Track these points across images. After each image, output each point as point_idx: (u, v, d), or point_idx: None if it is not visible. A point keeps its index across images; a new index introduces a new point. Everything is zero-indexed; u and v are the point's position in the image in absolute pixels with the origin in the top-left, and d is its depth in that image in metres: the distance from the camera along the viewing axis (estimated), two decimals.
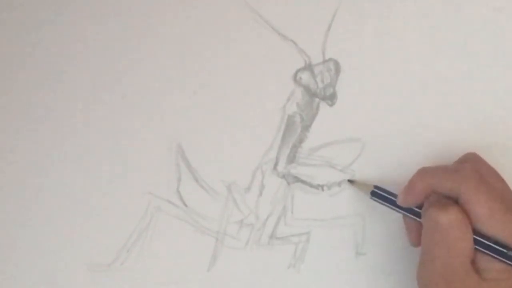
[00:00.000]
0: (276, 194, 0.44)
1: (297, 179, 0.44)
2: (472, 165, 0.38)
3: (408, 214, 0.40)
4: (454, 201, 0.37)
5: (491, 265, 0.36)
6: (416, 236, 0.40)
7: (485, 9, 0.44)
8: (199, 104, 0.45)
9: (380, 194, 0.41)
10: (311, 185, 0.44)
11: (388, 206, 0.40)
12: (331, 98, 0.44)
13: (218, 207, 0.44)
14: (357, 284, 0.44)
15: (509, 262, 0.36)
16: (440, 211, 0.36)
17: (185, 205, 0.44)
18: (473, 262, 0.36)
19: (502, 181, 0.38)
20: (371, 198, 0.41)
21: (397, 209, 0.40)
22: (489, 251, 0.36)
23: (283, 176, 0.44)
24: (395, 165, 0.44)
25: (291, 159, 0.44)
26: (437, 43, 0.44)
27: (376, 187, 0.41)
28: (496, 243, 0.36)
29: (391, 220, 0.43)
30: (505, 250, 0.36)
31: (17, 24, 0.45)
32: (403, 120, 0.44)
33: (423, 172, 0.39)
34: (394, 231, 0.43)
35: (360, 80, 0.44)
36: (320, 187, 0.44)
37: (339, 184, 0.44)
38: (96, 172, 0.44)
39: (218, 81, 0.45)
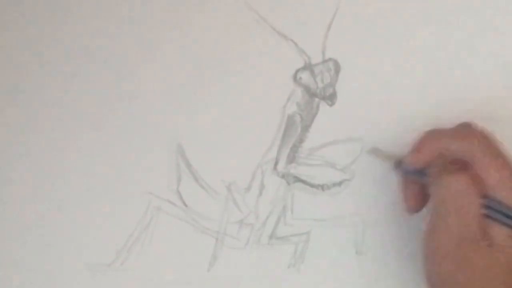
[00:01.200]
0: (276, 194, 0.44)
1: (297, 179, 0.44)
2: (480, 130, 0.38)
3: (419, 176, 0.39)
4: (462, 164, 0.37)
5: (500, 231, 0.35)
6: (415, 201, 0.40)
7: (487, 10, 0.44)
8: (199, 104, 0.45)
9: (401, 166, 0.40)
10: (311, 185, 0.44)
11: (409, 175, 0.40)
12: (331, 98, 0.44)
13: (218, 207, 0.44)
14: (357, 284, 0.44)
15: None
16: (453, 178, 0.36)
17: (185, 205, 0.44)
18: (482, 228, 0.36)
19: (503, 147, 0.38)
20: (394, 167, 0.41)
21: (419, 178, 0.39)
22: (499, 216, 0.35)
23: (283, 176, 0.44)
24: None
25: (291, 159, 0.44)
26: (438, 42, 0.44)
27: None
28: (505, 207, 0.35)
29: (391, 220, 0.43)
30: None
31: (21, 26, 0.45)
32: (403, 120, 0.44)
33: (433, 133, 0.39)
34: (394, 231, 0.43)
35: (360, 80, 0.44)
36: (320, 187, 0.44)
37: (339, 184, 0.44)
38: (96, 172, 0.44)
39: (218, 81, 0.45)
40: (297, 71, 0.44)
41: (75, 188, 0.44)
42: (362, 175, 0.44)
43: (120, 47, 0.45)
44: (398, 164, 0.41)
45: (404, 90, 0.44)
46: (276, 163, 0.44)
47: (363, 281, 0.44)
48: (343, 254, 0.44)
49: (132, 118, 0.45)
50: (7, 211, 0.44)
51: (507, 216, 0.35)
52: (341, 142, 0.44)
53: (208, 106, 0.45)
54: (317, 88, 0.44)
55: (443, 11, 0.44)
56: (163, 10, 0.45)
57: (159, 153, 0.44)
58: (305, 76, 0.44)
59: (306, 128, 0.44)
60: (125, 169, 0.44)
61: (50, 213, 0.44)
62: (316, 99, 0.44)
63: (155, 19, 0.45)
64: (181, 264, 0.44)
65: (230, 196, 0.44)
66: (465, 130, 0.38)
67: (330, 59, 0.44)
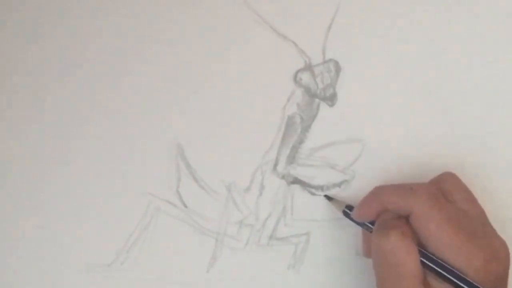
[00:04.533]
0: (276, 194, 0.44)
1: (297, 180, 0.44)
2: (430, 185, 0.38)
3: (367, 228, 0.40)
4: (405, 220, 0.37)
5: (442, 286, 0.36)
6: (369, 248, 0.40)
7: (488, 12, 0.44)
8: (199, 104, 0.45)
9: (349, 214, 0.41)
10: (311, 186, 0.44)
11: (359, 225, 0.41)
12: (331, 99, 0.44)
13: (218, 207, 0.44)
14: (357, 284, 0.44)
15: (457, 285, 0.35)
16: (382, 236, 0.36)
17: (185, 205, 0.44)
18: (426, 281, 0.36)
19: (472, 203, 0.38)
20: (344, 215, 0.42)
21: (365, 228, 0.40)
22: (436, 274, 0.36)
23: (283, 177, 0.44)
24: (395, 165, 0.44)
25: (291, 159, 0.44)
26: (438, 43, 0.44)
27: (348, 206, 0.41)
28: (443, 266, 0.36)
29: None
30: (448, 275, 0.35)
31: (20, 23, 0.45)
32: (403, 121, 0.44)
33: (378, 191, 0.39)
34: None
35: (360, 80, 0.44)
36: (320, 187, 0.44)
37: (339, 185, 0.44)
38: (96, 172, 0.44)
39: (218, 81, 0.45)
40: (297, 71, 0.44)
41: (75, 188, 0.44)
42: (362, 176, 0.44)
43: (119, 46, 0.45)
44: (346, 213, 0.41)
45: (404, 90, 0.44)
46: (276, 164, 0.44)
47: (363, 281, 0.44)
48: (343, 255, 0.44)
49: (131, 118, 0.45)
50: (6, 211, 0.44)
51: (442, 275, 0.35)
52: (341, 143, 0.44)
53: (208, 106, 0.45)
54: (317, 89, 0.44)
55: (444, 11, 0.44)
56: (162, 10, 0.45)
57: (159, 153, 0.44)
58: (305, 77, 0.44)
59: (306, 129, 0.44)
60: (125, 169, 0.44)
61: (49, 213, 0.44)
62: (316, 100, 0.44)
63: (155, 19, 0.45)
64: (181, 265, 0.44)
65: (230, 197, 0.44)
66: (411, 186, 0.38)
67: (330, 59, 0.44)
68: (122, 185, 0.44)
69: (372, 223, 0.39)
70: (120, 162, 0.44)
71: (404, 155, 0.44)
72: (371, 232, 0.39)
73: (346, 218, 0.42)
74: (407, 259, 0.36)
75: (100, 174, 0.44)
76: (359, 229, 0.44)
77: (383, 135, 0.44)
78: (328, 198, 0.43)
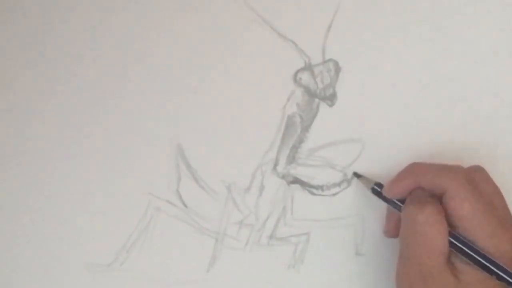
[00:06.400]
0: (276, 194, 0.44)
1: (297, 180, 0.44)
2: (468, 170, 0.38)
3: (395, 206, 0.40)
4: (437, 199, 0.37)
5: (466, 267, 0.36)
6: (392, 227, 0.41)
7: (487, 10, 0.44)
8: (199, 104, 0.45)
9: (379, 192, 0.41)
10: (311, 186, 0.44)
11: (387, 203, 0.41)
12: (331, 99, 0.44)
13: (218, 207, 0.44)
14: (357, 284, 0.44)
15: (485, 268, 0.35)
16: (417, 209, 0.36)
17: (185, 205, 0.44)
18: (450, 261, 0.36)
19: (500, 197, 0.38)
20: (372, 193, 0.42)
21: (394, 208, 0.40)
22: (463, 254, 0.36)
23: (283, 177, 0.44)
24: (395, 165, 0.43)
25: (291, 159, 0.44)
26: (437, 43, 0.44)
27: (377, 184, 0.41)
28: (471, 247, 0.36)
29: None
30: (476, 256, 0.35)
31: (21, 23, 0.45)
32: (403, 120, 0.44)
33: (414, 167, 0.39)
34: None
35: (360, 80, 0.44)
36: (320, 187, 0.44)
37: (339, 184, 0.44)
38: (96, 172, 0.44)
39: (218, 81, 0.45)
40: (297, 71, 0.44)
41: (74, 188, 0.44)
42: (362, 175, 0.44)
43: (119, 46, 0.45)
44: (375, 190, 0.41)
45: (404, 90, 0.44)
46: (276, 164, 0.44)
47: (363, 282, 0.44)
48: (343, 254, 0.44)
49: (131, 118, 0.45)
50: (6, 211, 0.44)
51: (470, 256, 0.36)
52: (341, 143, 0.44)
53: (208, 106, 0.45)
54: (317, 89, 0.44)
55: (445, 11, 0.44)
56: (162, 10, 0.45)
57: (159, 153, 0.44)
58: (305, 77, 0.44)
59: (306, 128, 0.44)
60: (125, 169, 0.44)
61: (49, 213, 0.44)
62: (316, 100, 0.44)
63: (154, 19, 0.45)
64: (180, 264, 0.44)
65: (230, 197, 0.44)
66: (448, 166, 0.38)
67: (330, 59, 0.44)
68: (122, 185, 0.44)
69: (401, 201, 0.39)
70: (120, 162, 0.44)
71: (404, 155, 0.44)
72: (398, 210, 0.39)
73: (347, 217, 0.42)
74: (437, 235, 0.36)
75: (100, 174, 0.44)
76: (359, 229, 0.44)
77: (383, 135, 0.44)
78: (357, 175, 0.43)
